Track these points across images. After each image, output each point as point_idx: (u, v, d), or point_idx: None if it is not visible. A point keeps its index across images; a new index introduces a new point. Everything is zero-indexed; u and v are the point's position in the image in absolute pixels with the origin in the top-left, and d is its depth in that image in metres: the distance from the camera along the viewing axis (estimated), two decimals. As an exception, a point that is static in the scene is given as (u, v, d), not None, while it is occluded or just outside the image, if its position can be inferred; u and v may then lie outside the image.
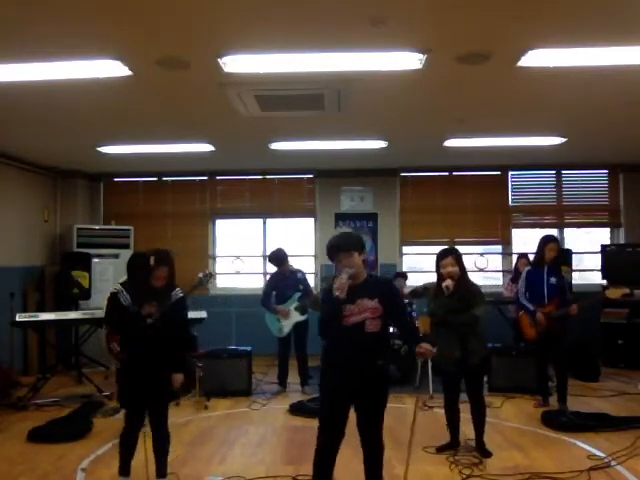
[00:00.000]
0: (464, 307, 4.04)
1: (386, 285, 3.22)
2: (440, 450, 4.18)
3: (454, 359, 4.05)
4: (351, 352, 2.98)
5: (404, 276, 7.16)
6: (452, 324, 4.06)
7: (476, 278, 8.26)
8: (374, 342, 3.01)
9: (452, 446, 4.20)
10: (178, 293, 3.70)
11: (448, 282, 4.05)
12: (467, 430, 4.33)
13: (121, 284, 3.60)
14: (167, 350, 3.51)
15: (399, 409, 4.97)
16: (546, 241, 5.27)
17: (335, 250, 3.06)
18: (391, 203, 8.34)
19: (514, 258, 7.36)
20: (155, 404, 3.55)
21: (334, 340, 3.09)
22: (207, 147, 6.61)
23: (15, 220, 7.16)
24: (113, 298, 3.55)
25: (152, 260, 3.58)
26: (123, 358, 3.66)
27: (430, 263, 8.39)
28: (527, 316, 5.29)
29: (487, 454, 4.09)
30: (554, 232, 7.98)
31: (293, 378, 6.30)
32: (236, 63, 3.84)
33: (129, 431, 3.54)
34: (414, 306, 6.62)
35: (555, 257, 5.22)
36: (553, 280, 5.14)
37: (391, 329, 6.19)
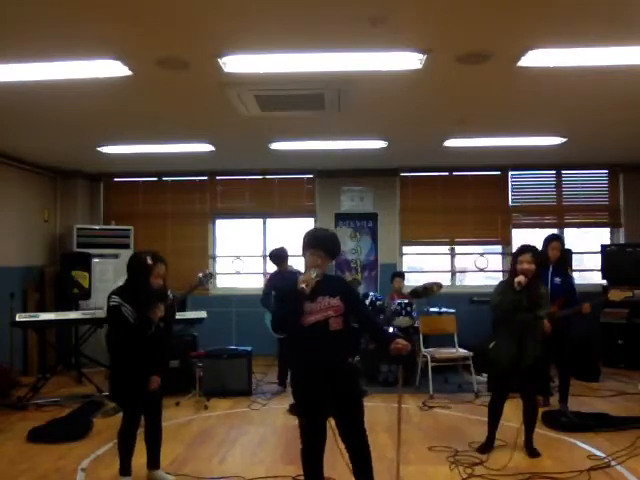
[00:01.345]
0: (530, 306, 3.98)
1: (344, 284, 3.24)
2: (481, 450, 4.15)
3: (510, 358, 4.01)
4: (317, 352, 2.95)
5: (402, 276, 7.16)
6: (514, 322, 4.00)
7: (476, 278, 8.35)
8: (339, 340, 2.98)
9: (489, 445, 4.18)
10: (171, 294, 3.76)
11: (520, 278, 3.96)
12: (474, 432, 4.32)
13: (117, 294, 3.51)
14: (164, 348, 3.63)
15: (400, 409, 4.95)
16: (549, 240, 5.28)
17: (324, 249, 3.00)
18: (391, 203, 8.33)
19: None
20: (153, 400, 3.63)
21: (297, 343, 3.04)
22: (207, 147, 6.61)
23: (15, 220, 7.16)
24: (118, 312, 3.44)
25: (149, 259, 3.57)
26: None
27: (430, 263, 8.52)
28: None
29: (535, 454, 4.09)
30: (554, 232, 7.96)
31: (293, 378, 6.30)
32: (236, 63, 3.84)
33: (129, 429, 3.57)
34: (414, 306, 6.62)
35: (559, 256, 5.21)
36: (557, 280, 5.13)
37: (392, 329, 6.27)
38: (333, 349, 2.96)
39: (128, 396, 3.60)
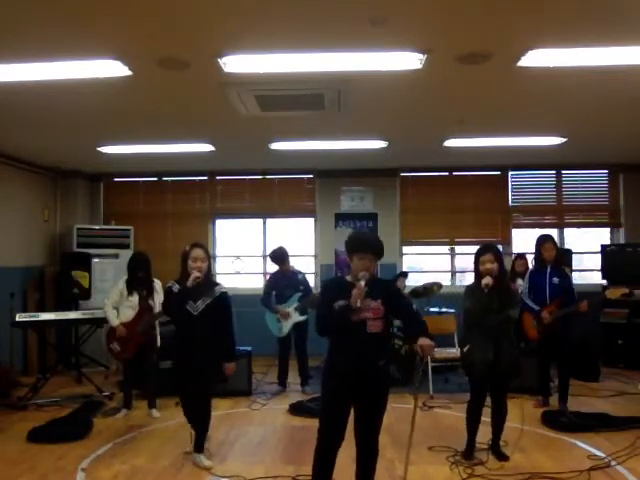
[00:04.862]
0: (500, 307, 3.91)
1: (388, 285, 3.24)
2: (466, 457, 4.03)
3: (486, 361, 3.91)
4: (353, 351, 2.97)
5: (405, 275, 7.15)
6: (486, 324, 3.92)
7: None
8: (375, 342, 2.99)
9: (471, 451, 4.07)
10: (221, 288, 4.07)
11: (488, 279, 3.90)
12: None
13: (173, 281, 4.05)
14: (211, 339, 3.95)
15: (401, 409, 4.96)
16: (541, 242, 5.26)
17: (372, 252, 3.02)
18: (391, 203, 8.34)
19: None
20: (198, 389, 4.00)
21: (337, 339, 3.07)
22: (207, 147, 6.61)
23: (15, 220, 7.16)
24: (168, 291, 3.97)
25: (187, 247, 4.00)
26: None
27: (430, 263, 8.52)
28: (530, 316, 5.28)
29: (504, 457, 4.02)
30: (554, 232, 7.97)
31: (293, 378, 6.31)
32: (236, 63, 3.84)
33: (181, 400, 4.21)
34: (414, 306, 6.61)
35: (556, 256, 5.21)
36: (556, 280, 5.12)
37: (395, 329, 6.26)
38: (368, 351, 2.97)
39: (176, 370, 4.12)
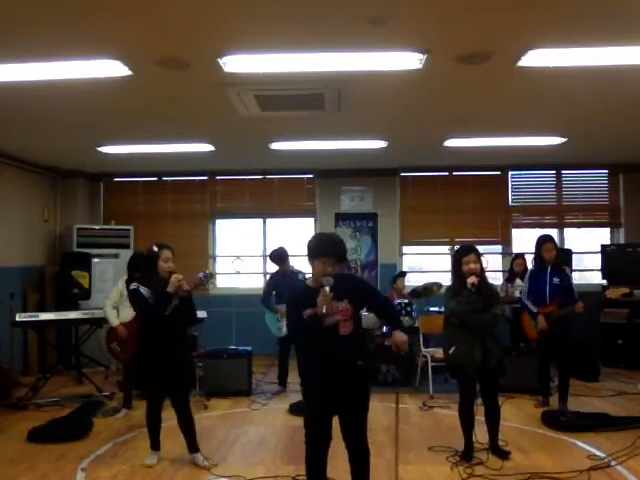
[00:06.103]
0: (485, 306, 3.92)
1: (350, 281, 3.17)
2: (465, 458, 3.99)
3: (474, 360, 3.90)
4: (327, 355, 2.92)
5: (403, 275, 7.14)
6: (472, 324, 3.92)
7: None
8: (348, 344, 2.95)
9: (470, 451, 4.04)
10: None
11: (473, 279, 3.88)
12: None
13: (136, 280, 4.00)
14: (182, 337, 4.03)
15: (400, 409, 4.95)
16: (541, 242, 5.23)
17: (335, 257, 2.94)
18: (391, 203, 8.34)
19: (514, 258, 7.35)
20: (177, 393, 4.03)
21: (310, 344, 3.01)
22: (207, 147, 6.61)
23: (15, 220, 7.16)
24: (137, 293, 3.86)
25: (155, 247, 3.96)
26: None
27: (431, 263, 8.52)
28: (529, 317, 5.28)
29: (505, 455, 4.02)
30: (554, 232, 7.97)
31: (293, 378, 6.30)
32: (236, 63, 3.85)
33: (151, 409, 4.04)
34: (414, 306, 6.62)
35: (556, 256, 5.20)
36: (556, 280, 5.11)
37: (385, 329, 6.25)
38: (343, 355, 2.93)
39: (148, 376, 3.99)
